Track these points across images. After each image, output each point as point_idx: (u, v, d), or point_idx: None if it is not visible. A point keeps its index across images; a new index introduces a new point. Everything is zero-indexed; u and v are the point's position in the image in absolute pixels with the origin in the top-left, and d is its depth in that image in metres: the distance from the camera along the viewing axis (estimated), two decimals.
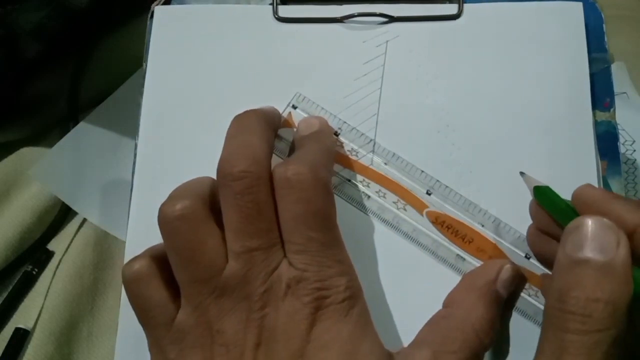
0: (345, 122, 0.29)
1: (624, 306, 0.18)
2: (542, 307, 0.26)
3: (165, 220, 0.22)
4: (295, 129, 0.28)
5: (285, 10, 0.30)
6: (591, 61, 0.29)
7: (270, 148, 0.24)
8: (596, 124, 0.28)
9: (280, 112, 0.28)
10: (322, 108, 0.29)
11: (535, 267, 0.26)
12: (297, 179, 0.22)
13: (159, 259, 0.23)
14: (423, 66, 0.29)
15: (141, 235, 0.24)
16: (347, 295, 0.22)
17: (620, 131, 0.32)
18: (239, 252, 0.22)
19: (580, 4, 0.30)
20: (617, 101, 0.29)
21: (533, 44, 0.29)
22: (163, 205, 0.23)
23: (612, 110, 0.29)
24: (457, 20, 0.30)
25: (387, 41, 0.30)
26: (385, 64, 0.29)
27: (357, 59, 0.30)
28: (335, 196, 0.26)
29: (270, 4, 0.30)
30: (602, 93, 0.29)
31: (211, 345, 0.21)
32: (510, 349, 0.25)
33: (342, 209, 0.23)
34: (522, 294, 0.26)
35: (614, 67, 0.29)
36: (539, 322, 0.26)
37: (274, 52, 0.30)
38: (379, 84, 0.29)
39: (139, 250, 0.24)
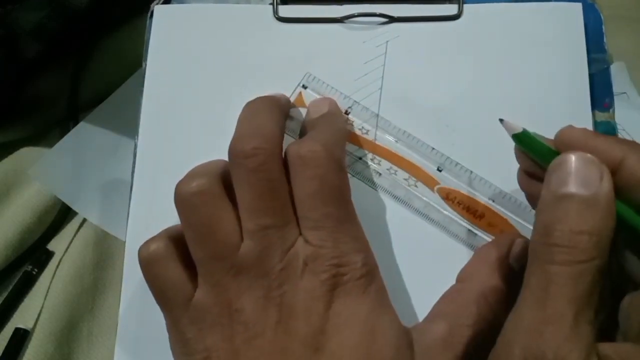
0: (355, 101, 0.29)
1: (608, 237, 0.19)
2: None
3: (182, 198, 0.23)
4: (306, 109, 0.28)
5: (285, 10, 0.30)
6: (590, 62, 0.29)
7: (281, 130, 0.24)
8: (596, 124, 0.28)
9: (290, 92, 0.29)
10: (332, 87, 0.29)
11: None
12: (312, 156, 0.22)
13: (176, 240, 0.23)
14: (423, 66, 0.29)
15: (141, 235, 0.24)
16: (364, 272, 0.22)
17: (620, 131, 0.32)
18: (253, 231, 0.22)
19: (580, 4, 0.30)
20: (617, 101, 0.29)
21: (532, 44, 0.29)
22: (179, 183, 0.23)
23: (611, 110, 0.29)
24: (457, 21, 0.30)
25: (387, 41, 0.30)
26: (386, 64, 0.30)
27: (357, 59, 0.30)
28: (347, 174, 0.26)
29: (271, 4, 0.30)
30: (601, 93, 0.29)
31: (230, 324, 0.22)
32: None
33: (354, 187, 0.24)
34: None
35: (614, 67, 0.29)
36: None
37: (274, 52, 0.30)
38: (379, 84, 0.29)
39: None
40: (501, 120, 0.23)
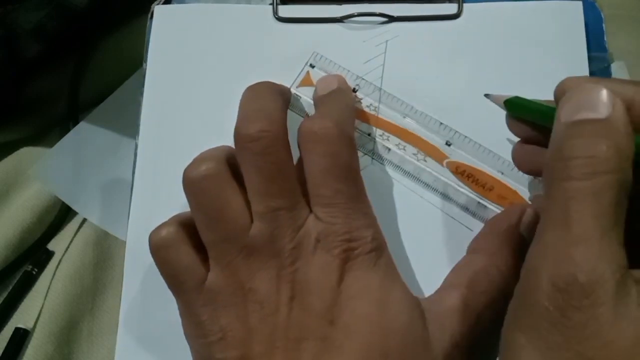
0: (363, 78, 0.29)
1: (628, 154, 0.17)
2: None
3: (190, 182, 0.23)
4: (314, 88, 0.28)
5: (285, 10, 0.30)
6: (591, 60, 0.29)
7: (284, 112, 0.24)
8: None
9: (296, 76, 0.29)
10: (340, 65, 0.29)
11: None
12: (324, 133, 0.22)
13: (186, 225, 0.23)
14: (423, 66, 0.29)
15: (141, 235, 0.24)
16: (374, 246, 0.22)
17: None
18: (263, 213, 0.22)
19: (580, 3, 0.30)
20: None
21: (533, 43, 0.29)
22: (187, 168, 0.23)
23: None
24: (457, 20, 0.30)
25: (386, 41, 0.30)
26: (385, 63, 0.30)
27: (357, 59, 0.30)
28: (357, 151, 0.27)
29: (270, 4, 0.30)
30: None
31: (244, 303, 0.22)
32: None
33: (363, 163, 0.24)
34: None
35: (614, 67, 0.29)
36: None
37: (274, 52, 0.30)
38: (378, 84, 0.29)
39: (140, 250, 0.24)
40: (487, 95, 0.24)
